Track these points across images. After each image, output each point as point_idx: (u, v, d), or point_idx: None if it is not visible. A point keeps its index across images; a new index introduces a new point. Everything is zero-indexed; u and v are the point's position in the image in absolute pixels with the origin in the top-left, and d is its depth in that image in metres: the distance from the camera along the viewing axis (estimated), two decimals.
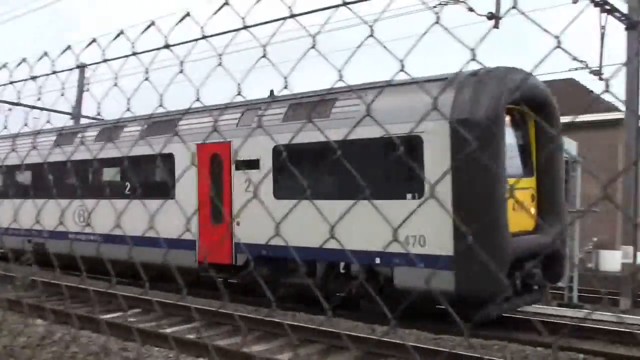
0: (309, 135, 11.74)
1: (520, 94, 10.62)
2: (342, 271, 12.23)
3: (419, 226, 10.28)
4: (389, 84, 11.21)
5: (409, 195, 10.81)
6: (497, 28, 14.10)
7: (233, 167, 13.44)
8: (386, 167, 10.93)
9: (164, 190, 14.57)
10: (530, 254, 10.67)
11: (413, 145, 10.59)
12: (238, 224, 13.14)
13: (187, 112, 14.59)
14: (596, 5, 14.88)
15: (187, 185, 13.97)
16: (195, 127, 14.03)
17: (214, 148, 13.78)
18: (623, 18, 15.06)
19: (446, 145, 10.27)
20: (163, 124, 14.93)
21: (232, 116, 13.79)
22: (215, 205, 13.68)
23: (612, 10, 15.04)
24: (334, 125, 11.18)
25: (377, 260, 11.09)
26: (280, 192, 12.35)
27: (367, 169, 10.74)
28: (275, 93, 13.82)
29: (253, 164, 12.91)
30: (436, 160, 10.29)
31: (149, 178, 15.89)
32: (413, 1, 32.07)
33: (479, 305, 10.11)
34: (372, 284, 11.29)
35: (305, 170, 12.33)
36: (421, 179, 10.59)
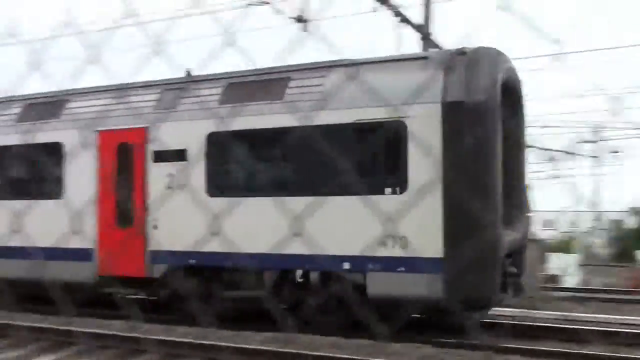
0: (256, 121, 10.04)
1: (508, 77, 9.65)
2: (299, 280, 10.22)
3: (401, 225, 8.85)
4: (355, 62, 9.91)
5: (387, 190, 9.24)
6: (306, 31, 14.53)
7: (149, 158, 10.98)
8: (360, 157, 9.34)
9: (49, 188, 11.82)
10: (508, 251, 9.79)
11: (394, 132, 9.16)
12: (155, 227, 10.76)
13: (83, 92, 12.03)
14: (396, 15, 15.84)
15: (82, 181, 11.33)
16: (94, 110, 11.51)
17: (122, 136, 11.25)
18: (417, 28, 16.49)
19: (436, 131, 8.88)
20: (47, 106, 12.14)
21: (148, 97, 11.34)
22: (123, 205, 11.18)
23: (408, 22, 16.16)
24: (289, 109, 9.59)
25: (346, 266, 9.39)
26: (215, 189, 10.26)
27: (336, 160, 9.09)
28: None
29: (178, 155, 10.63)
30: (423, 149, 8.84)
31: (27, 174, 12.78)
32: None
33: (470, 310, 9.27)
34: (337, 294, 9.59)
35: (251, 161, 10.52)
36: (403, 171, 9.08)
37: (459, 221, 8.70)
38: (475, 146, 8.77)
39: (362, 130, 9.34)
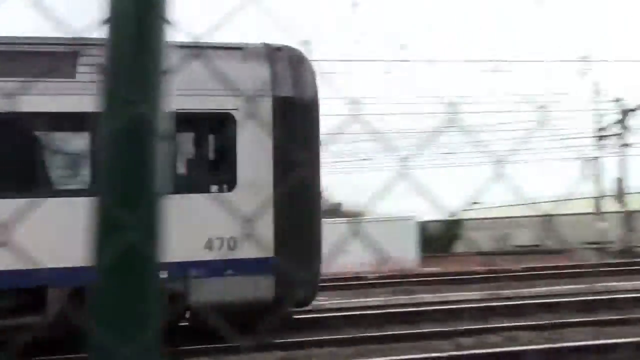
0: (30, 102, 7.44)
1: None
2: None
3: (229, 226, 7.98)
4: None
5: (214, 188, 8.46)
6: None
7: None
8: (182, 151, 8.53)
9: None
10: None
11: (222, 125, 8.43)
12: None
13: None
14: None
15: None
16: None
17: None
18: None
19: (267, 126, 8.39)
20: None
21: None
22: None
23: None
24: (83, 89, 7.58)
25: (163, 275, 7.93)
26: None
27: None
28: None
29: None
30: (253, 144, 8.32)
31: None
32: None
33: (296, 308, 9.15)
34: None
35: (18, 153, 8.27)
36: (232, 167, 8.35)
37: (289, 219, 8.28)
38: (305, 143, 8.53)
39: (182, 122, 7.86)
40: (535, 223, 27.10)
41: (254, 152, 8.27)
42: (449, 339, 8.40)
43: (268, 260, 8.28)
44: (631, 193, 30.76)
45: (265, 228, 8.18)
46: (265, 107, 8.31)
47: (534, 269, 18.78)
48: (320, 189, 8.83)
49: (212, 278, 8.22)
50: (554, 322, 9.11)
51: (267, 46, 8.93)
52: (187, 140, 8.35)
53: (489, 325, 9.24)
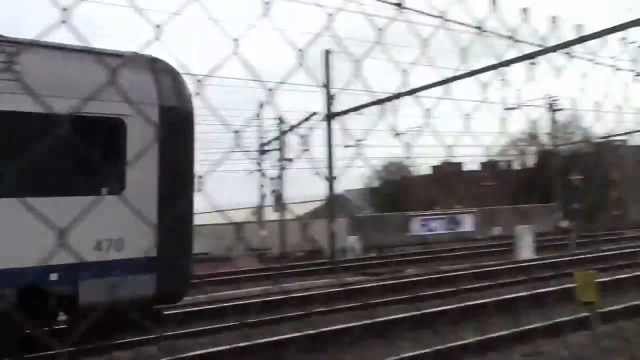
0: None
1: None
2: None
3: (118, 227, 8.25)
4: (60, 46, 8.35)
5: (104, 190, 8.39)
6: None
7: None
8: (70, 154, 8.23)
9: None
10: None
11: (112, 129, 8.57)
12: None
13: None
14: None
15: None
16: None
17: None
18: None
19: (154, 133, 8.95)
20: None
21: None
22: None
23: None
24: None
25: (53, 277, 7.96)
26: None
27: (40, 156, 7.85)
28: None
29: None
30: (140, 149, 8.66)
31: None
32: None
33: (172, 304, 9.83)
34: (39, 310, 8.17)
35: None
36: (121, 170, 8.54)
37: (170, 220, 8.74)
38: (185, 150, 9.19)
39: (77, 125, 7.99)
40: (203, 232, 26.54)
41: (142, 157, 8.72)
42: None
43: (151, 259, 8.60)
44: (288, 204, 34.59)
45: (149, 229, 8.60)
46: (152, 115, 8.73)
47: (199, 276, 18.58)
48: (193, 195, 9.23)
49: (101, 279, 8.33)
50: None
51: (145, 56, 8.89)
52: (79, 143, 8.18)
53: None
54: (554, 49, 14.26)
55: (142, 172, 8.65)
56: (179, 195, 8.69)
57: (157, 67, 9.02)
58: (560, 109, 41.50)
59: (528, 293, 12.05)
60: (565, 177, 41.27)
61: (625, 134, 33.53)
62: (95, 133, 8.25)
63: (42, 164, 7.60)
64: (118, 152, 8.46)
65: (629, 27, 14.00)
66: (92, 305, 8.16)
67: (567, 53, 13.68)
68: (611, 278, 14.27)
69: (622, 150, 49.42)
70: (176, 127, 8.93)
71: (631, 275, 15.33)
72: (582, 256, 21.79)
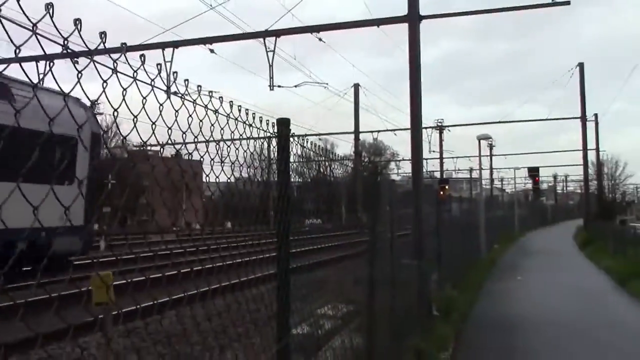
0: None
1: None
2: None
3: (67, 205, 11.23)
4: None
5: (66, 182, 12.94)
6: None
7: None
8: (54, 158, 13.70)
9: None
10: None
11: (70, 144, 13.65)
12: None
13: None
14: None
15: None
16: None
17: None
18: None
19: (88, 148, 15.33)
20: None
21: None
22: None
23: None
24: None
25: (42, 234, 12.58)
26: None
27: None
28: None
29: None
30: (83, 157, 14.94)
31: None
32: None
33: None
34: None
35: None
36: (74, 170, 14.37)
37: (88, 205, 14.91)
38: (99, 157, 16.67)
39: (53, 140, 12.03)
40: None
41: (83, 162, 14.82)
42: None
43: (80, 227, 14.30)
44: None
45: (81, 209, 14.20)
46: (87, 137, 14.97)
47: None
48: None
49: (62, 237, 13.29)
50: None
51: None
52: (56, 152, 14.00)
53: None
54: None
55: (82, 171, 14.28)
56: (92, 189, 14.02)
57: (81, 103, 12.47)
58: None
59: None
60: None
61: (158, 145, 36.13)
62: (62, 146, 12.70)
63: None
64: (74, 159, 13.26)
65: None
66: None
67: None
68: (136, 280, 14.94)
69: (154, 160, 53.35)
70: (96, 145, 15.79)
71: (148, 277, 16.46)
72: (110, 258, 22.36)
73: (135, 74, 2.29)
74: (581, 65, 43.34)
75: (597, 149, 50.29)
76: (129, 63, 2.27)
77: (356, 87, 47.61)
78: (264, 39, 19.97)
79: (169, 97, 2.52)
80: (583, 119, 43.69)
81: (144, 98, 2.39)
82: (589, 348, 10.35)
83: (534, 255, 31.41)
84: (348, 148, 63.55)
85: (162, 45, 20.41)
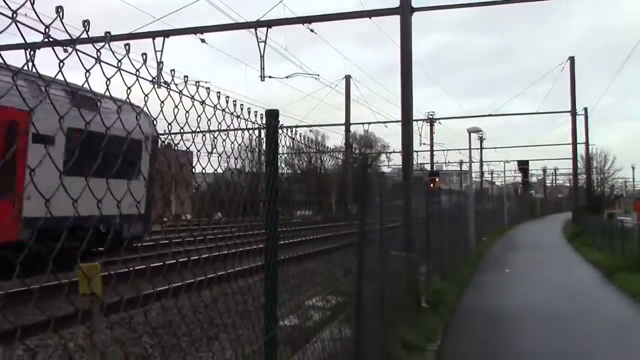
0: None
1: None
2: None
3: (138, 197, 11.98)
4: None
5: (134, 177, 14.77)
6: None
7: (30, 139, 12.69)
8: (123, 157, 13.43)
9: None
10: None
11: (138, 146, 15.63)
12: (29, 198, 12.32)
13: None
14: None
15: None
16: None
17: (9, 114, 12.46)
18: None
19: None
20: None
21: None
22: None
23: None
24: None
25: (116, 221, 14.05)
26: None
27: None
28: None
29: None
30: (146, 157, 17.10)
31: None
32: None
33: None
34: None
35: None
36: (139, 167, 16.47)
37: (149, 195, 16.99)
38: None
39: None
40: None
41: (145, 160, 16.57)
42: None
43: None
44: None
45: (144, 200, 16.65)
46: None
47: None
48: None
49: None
50: None
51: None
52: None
53: None
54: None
55: (144, 169, 16.26)
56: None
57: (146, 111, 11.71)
58: None
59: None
60: None
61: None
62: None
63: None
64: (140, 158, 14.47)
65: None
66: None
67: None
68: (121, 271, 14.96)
69: None
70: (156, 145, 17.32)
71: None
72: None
73: (119, 63, 2.26)
74: (572, 59, 43.44)
75: (587, 143, 50.55)
76: (113, 52, 2.24)
77: (347, 78, 47.53)
78: (256, 29, 19.90)
79: (154, 88, 2.50)
80: (573, 113, 43.88)
81: (129, 88, 2.37)
82: (575, 340, 10.43)
83: (522, 248, 31.58)
84: (339, 140, 63.63)
85: (152, 35, 20.35)
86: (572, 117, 43.86)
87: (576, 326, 11.44)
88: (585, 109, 49.39)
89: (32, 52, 1.79)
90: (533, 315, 12.42)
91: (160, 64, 19.56)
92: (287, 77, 31.76)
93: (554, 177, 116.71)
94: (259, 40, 19.87)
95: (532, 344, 10.15)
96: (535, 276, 19.54)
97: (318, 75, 37.94)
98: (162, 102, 2.61)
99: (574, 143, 44.72)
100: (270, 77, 25.85)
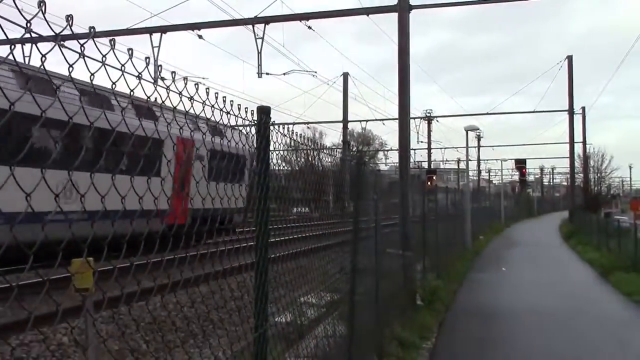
0: None
1: None
2: None
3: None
4: None
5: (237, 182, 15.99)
6: None
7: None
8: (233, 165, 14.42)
9: None
10: None
11: (244, 159, 15.29)
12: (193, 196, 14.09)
13: None
14: None
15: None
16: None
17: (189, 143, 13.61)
18: None
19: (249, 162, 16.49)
20: None
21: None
22: None
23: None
24: None
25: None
26: None
27: None
28: None
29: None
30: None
31: None
32: None
33: None
34: None
35: None
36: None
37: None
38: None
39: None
40: None
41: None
42: None
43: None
44: None
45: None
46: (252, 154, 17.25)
47: None
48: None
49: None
50: None
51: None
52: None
53: None
54: None
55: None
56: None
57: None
58: None
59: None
60: None
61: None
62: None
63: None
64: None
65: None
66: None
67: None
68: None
69: None
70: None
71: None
72: None
73: (104, 58, 2.25)
74: (570, 58, 43.40)
75: (584, 142, 50.53)
76: (97, 47, 2.23)
77: (345, 75, 47.47)
78: (253, 26, 19.85)
79: (140, 83, 2.48)
80: (570, 112, 43.85)
81: (113, 84, 2.35)
82: (570, 339, 10.43)
83: (518, 246, 31.60)
84: (337, 137, 63.50)
85: (150, 30, 20.29)
86: (569, 116, 43.85)
87: (571, 325, 11.45)
88: (583, 108, 49.42)
89: (13, 47, 1.77)
90: (528, 314, 12.43)
91: (146, 59, 19.59)
92: (284, 74, 31.68)
93: (551, 176, 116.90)
94: (257, 37, 19.84)
95: (526, 343, 10.16)
96: (531, 275, 19.56)
97: (315, 72, 37.93)
98: (148, 97, 2.59)
99: (572, 142, 44.72)
100: (267, 73, 25.81)
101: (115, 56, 2.27)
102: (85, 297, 6.52)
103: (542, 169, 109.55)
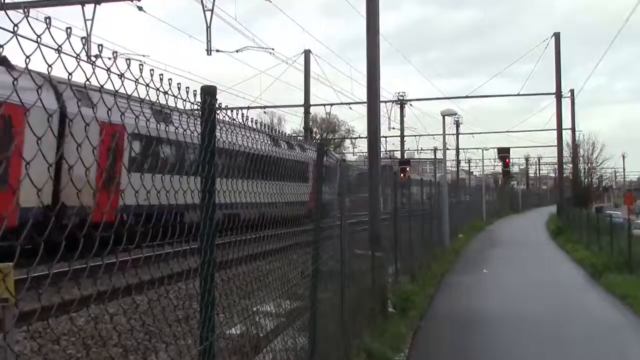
0: None
1: None
2: None
3: None
4: None
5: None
6: None
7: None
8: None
9: None
10: None
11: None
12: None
13: None
14: None
15: None
16: None
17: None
18: None
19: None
20: None
21: None
22: None
23: None
24: None
25: None
26: None
27: None
28: None
29: None
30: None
31: None
32: None
33: None
34: None
35: None
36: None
37: None
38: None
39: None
40: None
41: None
42: None
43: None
44: None
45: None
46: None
47: None
48: None
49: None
50: None
51: None
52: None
53: None
54: None
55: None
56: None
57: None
58: None
59: None
60: None
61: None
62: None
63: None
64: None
65: None
66: None
67: None
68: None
69: None
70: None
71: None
72: None
73: (39, 38, 2.20)
74: (557, 36, 44.05)
75: (573, 129, 51.41)
76: (30, 25, 2.20)
77: (307, 53, 47.32)
78: None
79: (78, 64, 2.43)
80: (558, 95, 44.54)
81: (50, 66, 2.31)
82: (560, 349, 10.60)
83: (502, 245, 32.07)
84: (298, 123, 63.38)
85: (82, 1, 19.91)
86: (557, 99, 44.54)
87: (560, 333, 11.63)
88: (572, 91, 50.29)
89: None
90: (512, 321, 12.60)
91: (82, 39, 19.11)
92: (237, 51, 31.54)
93: (537, 166, 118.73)
94: (205, 9, 19.66)
95: (510, 354, 10.30)
96: (515, 277, 19.86)
97: (273, 49, 37.70)
98: (88, 79, 2.54)
99: (559, 128, 45.44)
100: (217, 50, 25.63)
101: (52, 36, 2.24)
102: (4, 308, 6.37)
103: (527, 159, 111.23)
